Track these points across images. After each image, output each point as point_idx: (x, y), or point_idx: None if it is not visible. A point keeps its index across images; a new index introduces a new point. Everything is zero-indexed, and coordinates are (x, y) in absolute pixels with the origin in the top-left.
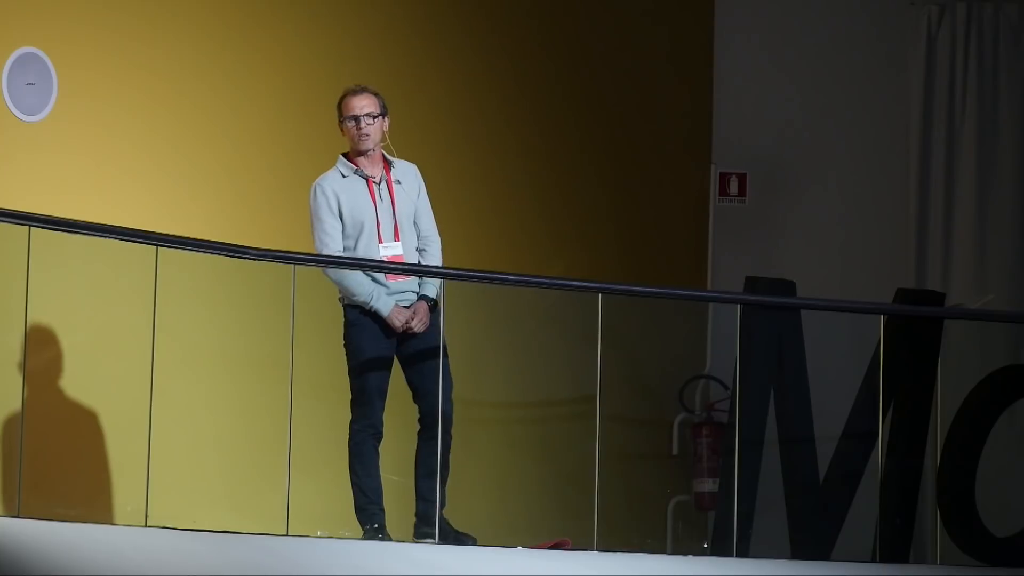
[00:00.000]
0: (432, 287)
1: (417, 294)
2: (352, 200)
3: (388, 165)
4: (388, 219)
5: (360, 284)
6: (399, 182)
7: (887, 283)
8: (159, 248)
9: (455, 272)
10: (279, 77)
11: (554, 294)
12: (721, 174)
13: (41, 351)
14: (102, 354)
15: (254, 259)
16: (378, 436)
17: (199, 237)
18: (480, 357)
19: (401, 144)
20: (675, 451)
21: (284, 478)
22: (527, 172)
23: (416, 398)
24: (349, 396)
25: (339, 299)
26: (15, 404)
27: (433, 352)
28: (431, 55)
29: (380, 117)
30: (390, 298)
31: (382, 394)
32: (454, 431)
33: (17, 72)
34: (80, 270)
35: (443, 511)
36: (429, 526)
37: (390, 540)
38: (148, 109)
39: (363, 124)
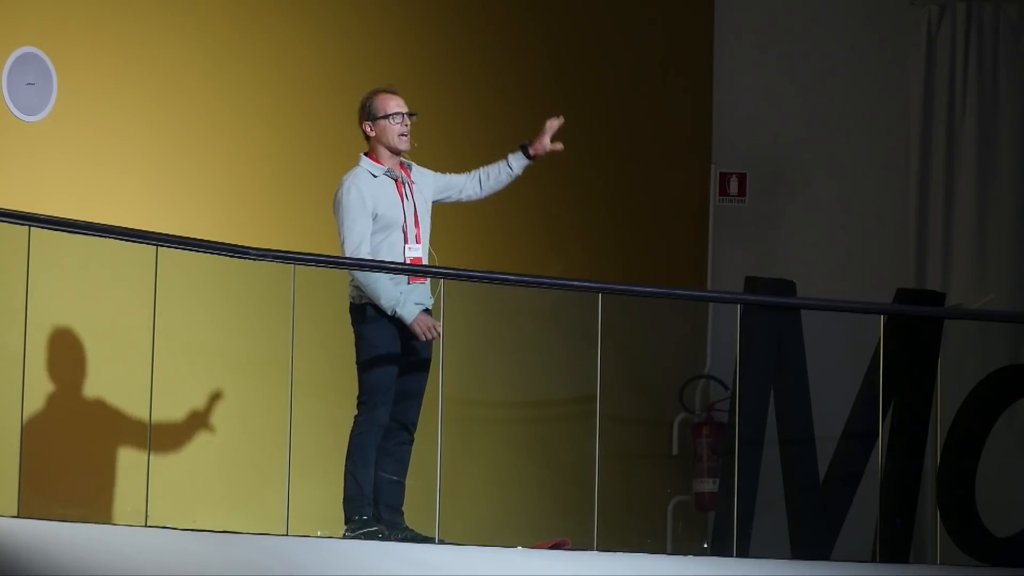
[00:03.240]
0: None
1: (431, 299)
2: (385, 201)
3: (405, 167)
4: (412, 221)
5: (388, 289)
6: (415, 183)
7: (887, 283)
8: (159, 248)
9: (455, 272)
10: (279, 77)
11: (554, 294)
12: (721, 174)
13: (41, 351)
14: (102, 354)
15: (254, 259)
16: (381, 433)
17: (199, 237)
18: (480, 357)
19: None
20: (675, 451)
21: (284, 478)
22: (527, 172)
23: (404, 401)
24: (352, 393)
25: (355, 297)
26: (15, 404)
27: (419, 380)
28: (431, 55)
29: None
30: (415, 306)
31: (391, 393)
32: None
33: (17, 72)
34: (80, 270)
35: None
36: (394, 531)
37: (376, 534)
38: (148, 109)
39: (406, 121)
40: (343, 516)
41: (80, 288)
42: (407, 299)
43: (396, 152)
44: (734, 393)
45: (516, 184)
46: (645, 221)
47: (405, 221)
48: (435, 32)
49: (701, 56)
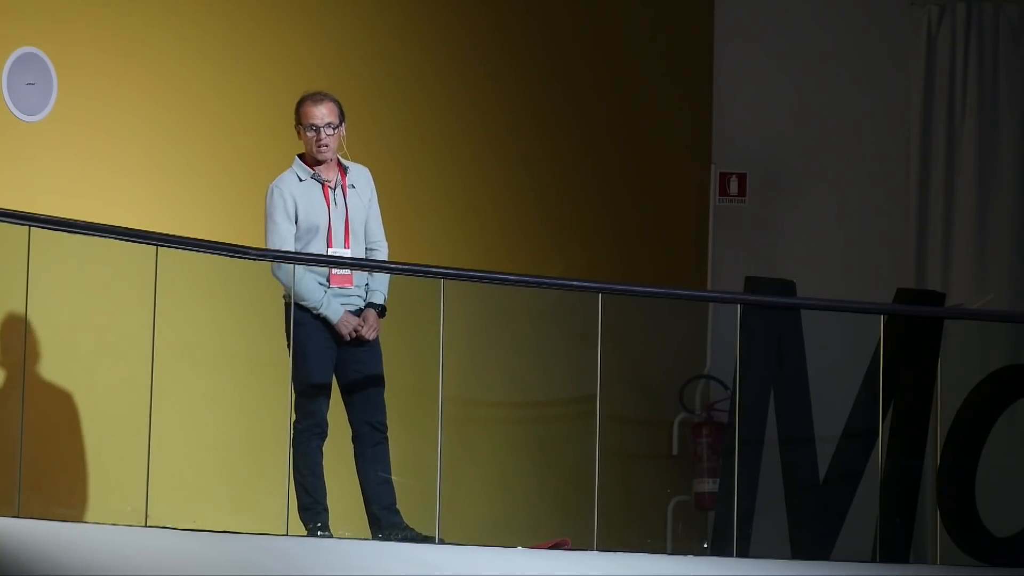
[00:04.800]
0: (380, 295)
1: (364, 300)
2: (308, 204)
3: (343, 169)
4: (340, 224)
5: (312, 290)
6: (353, 187)
7: (887, 283)
8: (159, 248)
9: (455, 272)
10: (279, 77)
11: (554, 294)
12: (721, 174)
13: (40, 350)
14: (102, 354)
15: (254, 259)
16: (323, 435)
17: (199, 237)
18: (480, 357)
19: (400, 143)
20: (675, 451)
21: (284, 478)
22: (527, 172)
23: (366, 404)
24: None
25: (283, 296)
26: (15, 404)
27: (374, 378)
28: (431, 55)
29: (340, 126)
30: (340, 305)
31: (327, 393)
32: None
33: (17, 72)
34: (80, 270)
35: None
36: (395, 530)
37: (333, 539)
38: (148, 109)
39: (323, 135)
40: (302, 518)
41: (80, 288)
42: (331, 299)
43: (316, 161)
44: (734, 393)
45: (516, 184)
46: (645, 221)
47: (331, 225)
48: (435, 33)
49: (701, 56)
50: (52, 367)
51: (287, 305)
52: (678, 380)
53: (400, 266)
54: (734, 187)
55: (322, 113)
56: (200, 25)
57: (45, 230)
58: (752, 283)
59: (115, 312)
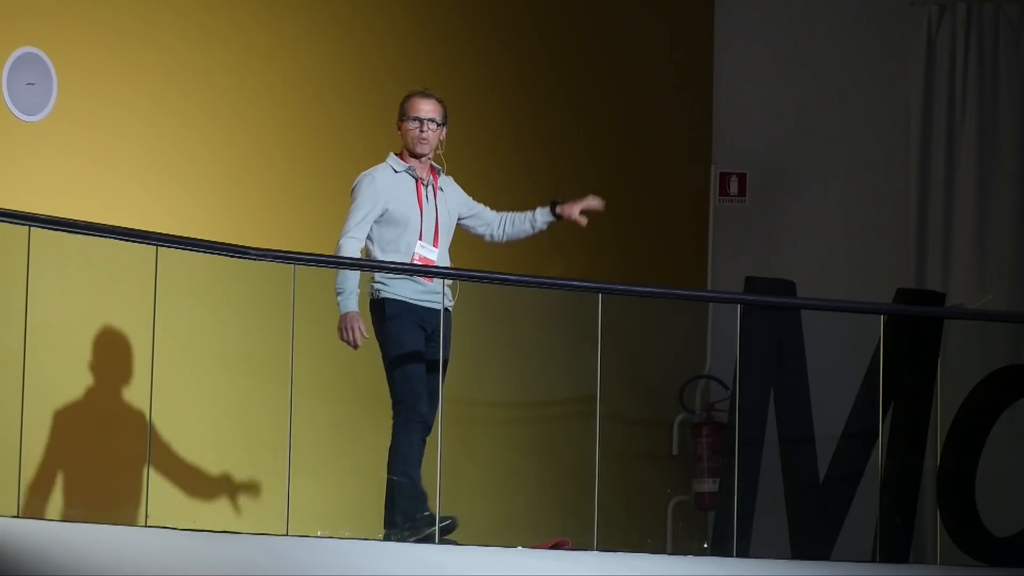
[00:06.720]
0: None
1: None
2: (400, 196)
3: (435, 172)
4: (431, 222)
5: (347, 279)
6: (443, 190)
7: (887, 283)
8: (159, 248)
9: (455, 272)
10: (280, 77)
11: (554, 294)
12: (721, 174)
13: (40, 350)
14: (102, 354)
15: (254, 259)
16: (427, 428)
17: (199, 237)
18: (480, 357)
19: (400, 143)
20: (675, 451)
21: (284, 478)
22: (527, 172)
23: (430, 399)
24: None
25: (374, 292)
26: (15, 404)
27: (445, 360)
28: (431, 56)
29: (441, 126)
30: (354, 303)
31: (425, 385)
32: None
33: (17, 72)
34: (80, 270)
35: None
36: (415, 525)
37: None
38: (148, 109)
39: (425, 127)
40: (400, 521)
41: (80, 288)
42: (352, 296)
43: (414, 155)
44: (734, 393)
45: (516, 184)
46: (645, 222)
47: (422, 221)
48: (436, 33)
49: (701, 56)
50: (51, 367)
51: (374, 301)
52: (678, 380)
53: (400, 266)
54: (734, 187)
55: (427, 108)
56: (200, 25)
57: (45, 230)
58: (752, 283)
59: (115, 312)
